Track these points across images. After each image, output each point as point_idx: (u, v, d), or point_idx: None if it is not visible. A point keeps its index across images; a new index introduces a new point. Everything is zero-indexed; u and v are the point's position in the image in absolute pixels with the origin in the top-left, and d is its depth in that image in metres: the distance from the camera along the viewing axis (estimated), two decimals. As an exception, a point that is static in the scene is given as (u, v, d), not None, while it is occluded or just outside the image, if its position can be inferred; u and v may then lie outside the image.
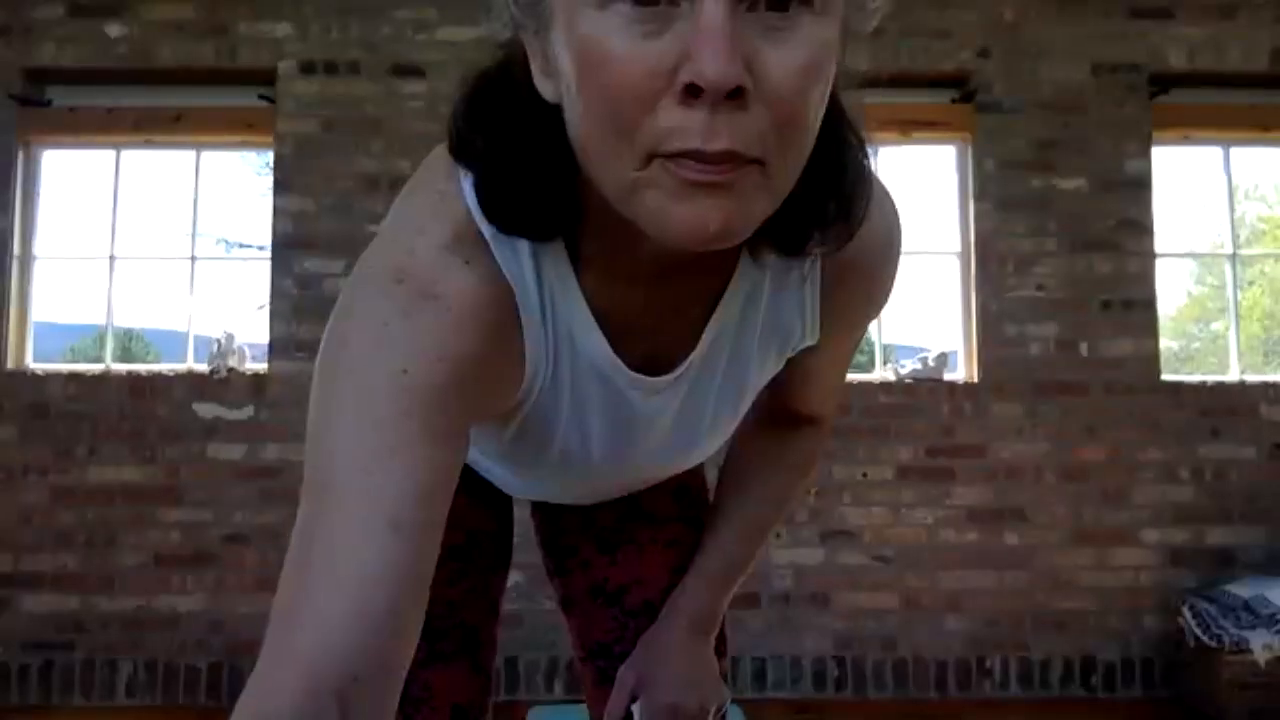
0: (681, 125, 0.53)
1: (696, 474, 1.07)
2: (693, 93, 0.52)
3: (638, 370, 0.75)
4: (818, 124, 0.60)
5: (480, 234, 0.67)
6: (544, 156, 0.64)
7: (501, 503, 1.05)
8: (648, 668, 0.97)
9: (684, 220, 0.55)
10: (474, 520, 1.01)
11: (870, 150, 0.74)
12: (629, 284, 0.70)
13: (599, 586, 1.03)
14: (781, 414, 0.98)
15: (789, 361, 0.83)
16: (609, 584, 1.03)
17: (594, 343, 0.72)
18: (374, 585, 0.55)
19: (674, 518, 1.03)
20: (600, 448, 0.81)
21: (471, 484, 0.96)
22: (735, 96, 0.53)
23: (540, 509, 1.10)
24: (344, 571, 0.55)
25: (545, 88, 0.63)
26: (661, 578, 1.01)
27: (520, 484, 0.99)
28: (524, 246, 0.67)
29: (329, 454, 0.59)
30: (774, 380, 0.86)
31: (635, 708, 0.98)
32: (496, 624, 1.04)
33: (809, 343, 0.81)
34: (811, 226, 0.67)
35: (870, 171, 0.72)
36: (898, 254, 0.80)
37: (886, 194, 0.77)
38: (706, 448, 0.89)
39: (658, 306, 0.73)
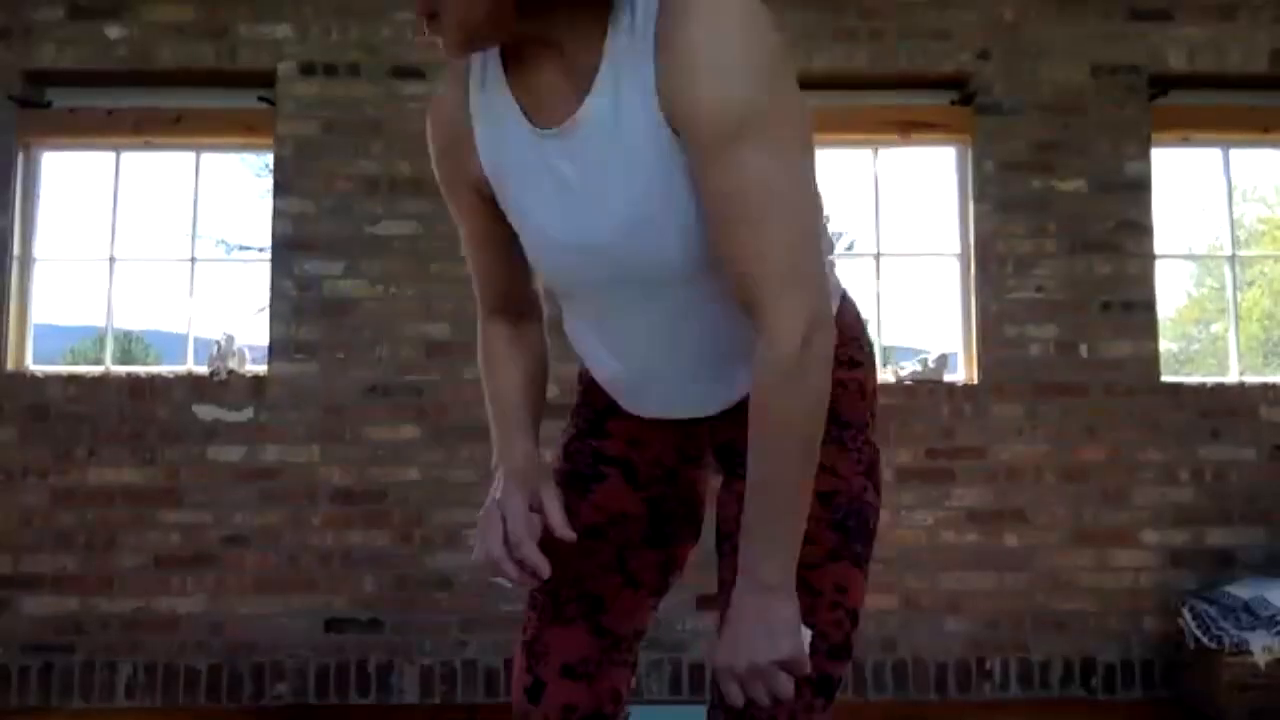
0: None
1: (847, 475, 1.14)
2: None
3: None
4: None
5: (464, 69, 1.05)
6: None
7: (656, 485, 1.21)
8: (719, 638, 1.02)
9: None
10: (618, 504, 1.20)
11: None
12: (529, 71, 0.97)
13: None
14: (741, 304, 0.94)
15: (705, 207, 0.92)
16: None
17: (510, 108, 0.99)
18: (485, 272, 1.16)
19: (815, 516, 1.03)
20: (560, 218, 1.00)
21: (628, 473, 1.20)
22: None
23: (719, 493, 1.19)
24: (478, 281, 1.18)
25: None
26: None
27: (609, 363, 1.13)
28: (479, 68, 1.02)
29: None
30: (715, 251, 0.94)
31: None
32: (636, 594, 1.19)
33: (668, 111, 0.89)
34: None
35: None
36: (738, 49, 0.86)
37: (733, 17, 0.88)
38: (667, 236, 0.96)
39: (553, 88, 0.95)
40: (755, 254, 0.89)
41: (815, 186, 0.97)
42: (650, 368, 1.10)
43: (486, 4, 0.89)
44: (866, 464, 1.19)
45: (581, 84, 0.93)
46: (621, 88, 0.91)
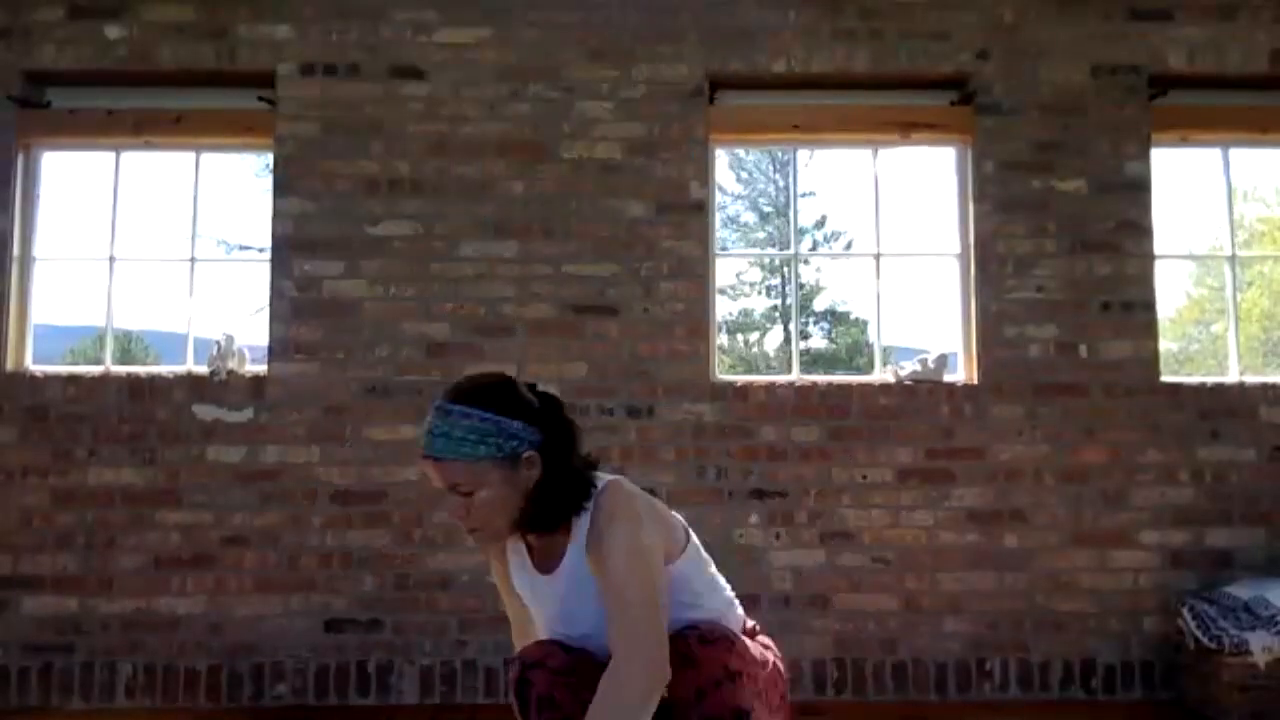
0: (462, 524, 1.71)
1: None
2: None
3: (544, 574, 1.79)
4: (501, 512, 1.66)
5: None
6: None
7: None
8: None
9: (478, 545, 1.96)
10: None
11: (588, 489, 1.72)
12: (537, 549, 1.79)
13: None
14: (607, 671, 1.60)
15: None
16: None
17: (524, 557, 1.81)
18: (514, 626, 1.97)
19: None
20: (552, 610, 1.77)
21: None
22: (465, 516, 1.68)
23: None
24: (514, 631, 1.97)
25: None
26: None
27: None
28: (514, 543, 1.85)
29: None
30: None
31: None
32: None
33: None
34: (558, 511, 1.71)
35: (582, 489, 1.71)
36: (608, 538, 1.62)
37: (616, 503, 1.67)
38: (598, 632, 1.68)
39: (547, 552, 1.76)
40: (614, 620, 1.59)
41: (654, 589, 1.60)
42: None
43: (503, 531, 1.71)
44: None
45: (558, 554, 1.73)
46: (575, 558, 1.70)
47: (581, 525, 1.68)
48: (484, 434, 1.59)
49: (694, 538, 1.81)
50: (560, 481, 1.66)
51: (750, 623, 1.93)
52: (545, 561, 1.75)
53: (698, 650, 1.62)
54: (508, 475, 1.61)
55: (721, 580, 1.87)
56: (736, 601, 1.89)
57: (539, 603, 1.79)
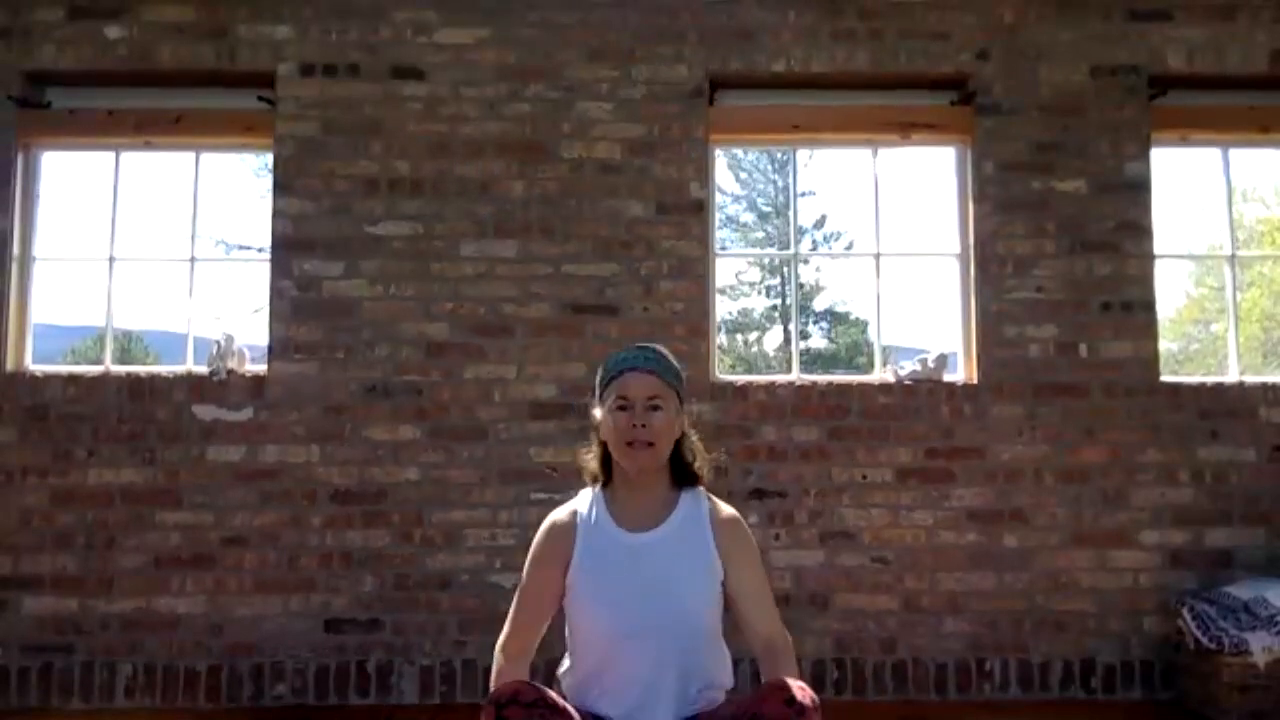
0: (632, 435, 1.86)
1: None
2: (634, 425, 1.86)
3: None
4: (670, 437, 1.88)
5: (577, 516, 1.94)
6: (603, 463, 1.97)
7: None
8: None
9: (632, 461, 1.87)
10: None
11: (703, 452, 1.97)
12: (627, 501, 1.91)
13: None
14: (755, 638, 1.85)
15: (732, 589, 1.86)
16: None
17: (608, 520, 1.90)
18: (525, 625, 1.92)
19: None
20: (639, 571, 1.83)
21: None
22: (643, 427, 1.86)
23: None
24: (508, 627, 1.92)
25: (603, 435, 1.93)
26: None
27: (605, 685, 1.87)
28: (588, 502, 1.95)
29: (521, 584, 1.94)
30: (734, 610, 1.87)
31: None
32: None
33: (719, 558, 1.86)
34: (684, 473, 1.94)
35: (704, 461, 1.96)
36: (745, 526, 1.92)
37: (720, 502, 1.96)
38: (696, 599, 1.84)
39: (640, 511, 1.90)
40: (768, 610, 1.87)
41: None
42: (639, 701, 1.83)
43: (662, 455, 1.88)
44: None
45: (662, 515, 1.89)
46: (685, 524, 1.88)
47: (696, 499, 1.92)
48: (678, 374, 1.94)
49: None
50: (688, 443, 1.94)
51: None
52: (638, 524, 1.88)
53: (808, 703, 1.68)
54: (679, 412, 1.90)
55: None
56: None
57: (611, 562, 1.85)
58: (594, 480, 1.97)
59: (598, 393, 1.94)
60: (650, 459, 1.85)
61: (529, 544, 1.92)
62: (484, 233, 3.60)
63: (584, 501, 1.95)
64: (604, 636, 1.83)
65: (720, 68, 3.67)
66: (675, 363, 1.95)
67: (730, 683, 1.91)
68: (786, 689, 1.66)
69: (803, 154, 15.48)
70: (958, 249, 3.75)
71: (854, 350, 18.00)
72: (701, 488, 1.94)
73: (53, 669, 3.39)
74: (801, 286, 18.07)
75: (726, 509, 1.92)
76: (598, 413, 1.93)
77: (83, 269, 3.94)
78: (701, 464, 1.95)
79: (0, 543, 3.44)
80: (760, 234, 19.78)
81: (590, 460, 1.98)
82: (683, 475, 1.93)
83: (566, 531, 1.90)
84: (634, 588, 1.82)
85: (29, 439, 3.49)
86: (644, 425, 1.84)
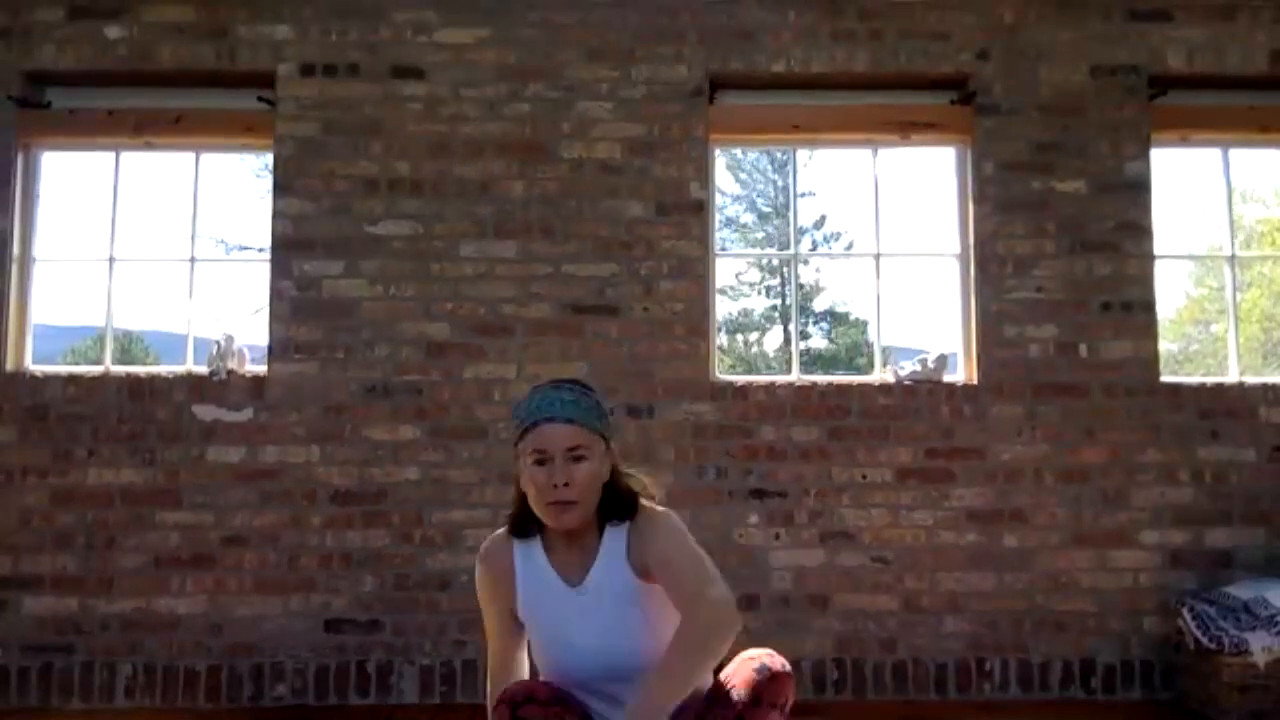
0: (553, 495, 1.72)
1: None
2: (555, 485, 1.72)
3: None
4: (596, 489, 1.75)
5: (510, 543, 1.85)
6: (527, 516, 1.81)
7: None
8: None
9: (555, 521, 1.74)
10: None
11: (636, 492, 1.83)
12: (560, 549, 1.81)
13: None
14: (682, 610, 1.70)
15: (658, 581, 1.74)
16: None
17: (547, 570, 1.81)
18: (495, 668, 1.91)
19: None
20: (580, 633, 1.76)
21: None
22: (566, 486, 1.72)
23: None
24: (489, 660, 1.94)
25: (524, 487, 1.77)
26: None
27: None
28: (522, 547, 1.84)
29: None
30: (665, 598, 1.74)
31: None
32: None
33: (637, 566, 1.76)
34: (611, 512, 1.79)
35: (634, 496, 1.81)
36: (660, 520, 1.78)
37: (668, 518, 1.79)
38: (638, 640, 1.76)
39: (573, 558, 1.80)
40: (686, 575, 1.70)
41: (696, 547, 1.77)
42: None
43: (589, 509, 1.75)
44: None
45: (589, 562, 1.79)
46: (608, 570, 1.77)
47: (618, 536, 1.78)
48: (600, 412, 1.79)
49: None
50: (622, 480, 1.81)
51: None
52: (568, 575, 1.79)
53: (778, 667, 1.70)
54: (604, 455, 1.77)
55: None
56: None
57: (557, 616, 1.79)
58: (515, 531, 1.83)
59: (515, 438, 1.78)
60: (575, 519, 1.73)
61: None
62: (484, 233, 3.60)
63: (518, 554, 1.84)
64: (560, 679, 1.81)
65: (720, 68, 3.67)
66: (597, 398, 1.81)
67: (708, 680, 1.80)
68: (756, 659, 1.69)
69: (803, 154, 15.48)
70: (958, 249, 3.75)
71: (854, 351, 18.01)
72: (627, 523, 1.79)
73: (53, 669, 3.39)
74: (801, 287, 18.06)
75: (645, 522, 1.78)
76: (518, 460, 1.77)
77: (83, 269, 3.94)
78: (638, 488, 1.82)
79: (0, 543, 3.44)
80: (760, 234, 19.79)
81: (516, 516, 1.83)
82: (610, 512, 1.79)
83: (504, 572, 1.83)
84: (577, 639, 1.77)
85: (29, 439, 3.49)
86: (565, 484, 1.69)
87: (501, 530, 1.87)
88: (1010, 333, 3.60)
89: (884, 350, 3.89)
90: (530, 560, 1.82)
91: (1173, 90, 3.70)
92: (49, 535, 3.45)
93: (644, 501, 1.81)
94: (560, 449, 1.70)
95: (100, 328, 3.97)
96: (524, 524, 1.82)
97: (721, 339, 16.91)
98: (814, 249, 19.03)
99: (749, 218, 19.95)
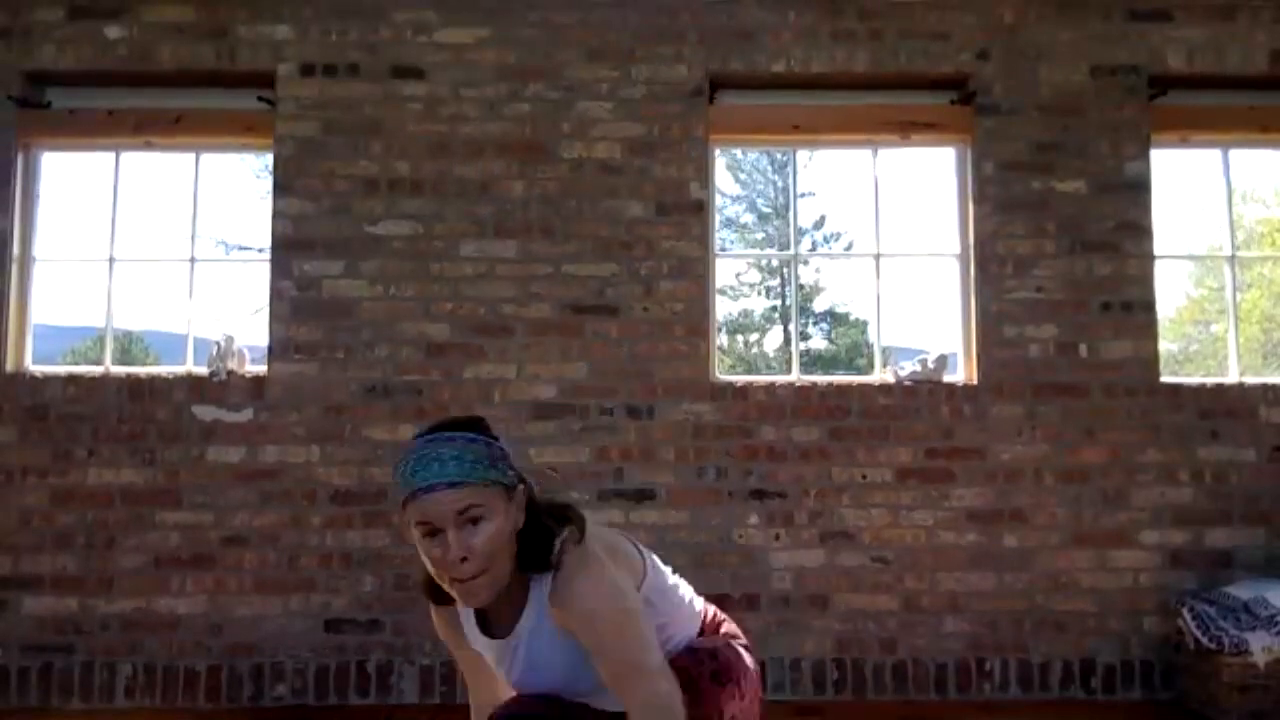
0: (454, 572, 1.51)
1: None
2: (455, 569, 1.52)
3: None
4: (506, 549, 1.54)
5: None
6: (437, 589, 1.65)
7: None
8: None
9: (466, 599, 1.57)
10: None
11: (557, 514, 1.64)
12: (489, 611, 1.68)
13: None
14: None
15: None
16: None
17: (475, 631, 1.71)
18: (473, 683, 1.84)
19: None
20: (514, 673, 1.70)
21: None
22: (465, 561, 1.50)
23: None
24: (472, 697, 1.87)
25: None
26: None
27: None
28: (464, 610, 1.72)
29: None
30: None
31: None
32: None
33: (562, 635, 1.60)
34: (528, 562, 1.60)
35: (555, 524, 1.60)
36: (580, 604, 1.54)
37: (576, 557, 1.59)
38: (586, 676, 1.62)
39: (501, 617, 1.66)
40: (614, 674, 1.54)
41: (643, 625, 1.58)
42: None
43: (504, 575, 1.56)
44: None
45: (512, 616, 1.64)
46: (535, 618, 1.62)
47: (542, 585, 1.59)
48: (492, 458, 1.53)
49: (646, 552, 1.78)
50: (539, 521, 1.58)
51: (712, 611, 1.91)
52: (497, 625, 1.66)
53: (707, 687, 1.67)
54: (508, 507, 1.53)
55: (680, 580, 1.85)
56: (696, 597, 1.88)
57: (501, 666, 1.71)
58: (433, 599, 1.70)
59: (399, 500, 1.54)
60: (485, 594, 1.53)
61: None
62: (484, 233, 3.60)
63: (438, 602, 1.74)
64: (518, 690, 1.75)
65: (720, 68, 3.67)
66: (486, 440, 1.55)
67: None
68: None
69: (803, 154, 15.50)
70: (958, 249, 3.75)
71: (854, 351, 18.01)
72: (549, 576, 1.58)
73: (53, 669, 3.39)
74: (801, 287, 18.07)
75: (563, 588, 1.55)
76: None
77: (83, 269, 3.94)
78: (557, 526, 1.59)
79: (0, 543, 3.44)
80: (760, 235, 19.80)
81: (428, 584, 1.66)
82: (528, 562, 1.58)
83: (453, 622, 1.75)
84: (527, 685, 1.69)
85: (29, 439, 3.49)
86: (464, 559, 1.48)
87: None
88: (1010, 333, 3.60)
89: (884, 350, 3.89)
90: (466, 614, 1.71)
91: (1173, 90, 3.70)
92: (49, 535, 3.45)
93: (567, 547, 1.58)
94: (449, 516, 1.47)
95: (100, 328, 3.97)
96: (438, 590, 1.61)
97: (721, 339, 16.92)
98: (814, 249, 19.03)
99: (749, 218, 19.97)
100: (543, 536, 1.57)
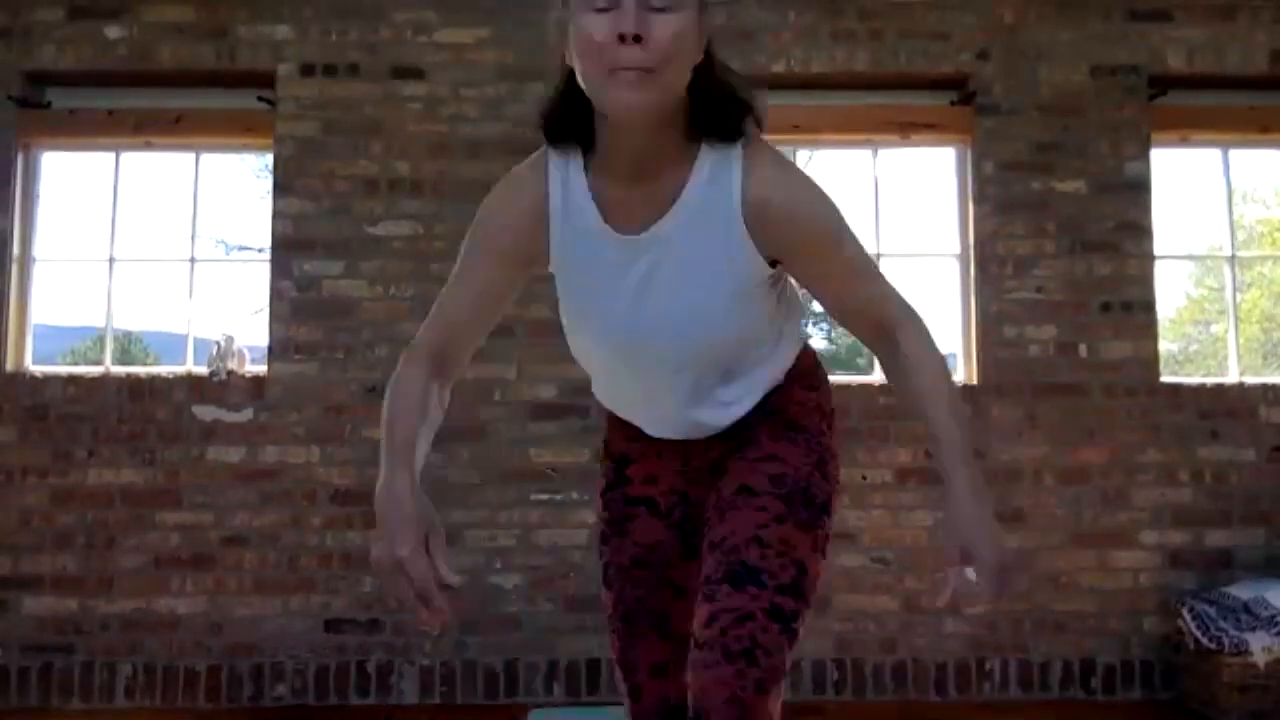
0: (618, 58, 1.07)
1: (795, 464, 1.34)
2: (622, 39, 1.06)
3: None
4: (686, 58, 1.12)
5: (544, 157, 1.26)
6: (571, 108, 1.19)
7: (676, 510, 1.44)
8: (950, 526, 1.29)
9: (619, 99, 1.09)
10: (652, 535, 1.44)
11: (745, 85, 1.24)
12: (615, 180, 1.21)
13: (713, 542, 1.31)
14: (870, 333, 1.34)
15: (811, 287, 1.31)
16: (716, 536, 1.30)
17: (589, 212, 1.23)
18: (439, 330, 1.36)
19: (767, 492, 1.31)
20: (616, 303, 1.25)
21: (651, 507, 1.45)
22: (638, 41, 1.06)
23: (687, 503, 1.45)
24: (434, 322, 1.36)
25: (570, 59, 1.14)
26: (746, 530, 1.28)
27: (633, 408, 1.42)
28: (560, 163, 1.24)
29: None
30: (834, 310, 1.33)
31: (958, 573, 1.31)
32: (687, 601, 1.38)
33: (758, 249, 1.21)
34: (709, 121, 1.19)
35: (745, 93, 1.23)
36: (797, 188, 1.22)
37: (799, 173, 1.25)
38: (717, 329, 1.26)
39: (636, 195, 1.21)
40: (871, 295, 1.30)
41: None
42: (668, 415, 1.39)
43: (676, 84, 1.13)
44: (816, 458, 1.39)
45: (661, 208, 1.21)
46: (702, 207, 1.20)
47: (724, 162, 1.20)
48: None
49: None
50: (722, 75, 1.20)
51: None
52: (626, 219, 1.22)
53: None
54: (699, 18, 1.13)
55: None
56: None
57: (605, 284, 1.26)
58: (549, 130, 1.23)
59: None
60: (649, 95, 1.09)
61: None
62: (484, 233, 3.59)
63: (554, 174, 1.25)
64: (604, 371, 1.39)
65: (720, 68, 3.67)
66: None
67: (787, 364, 1.40)
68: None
69: (802, 154, 15.44)
70: (957, 249, 3.75)
71: (854, 350, 17.99)
72: (739, 144, 1.21)
73: (53, 669, 3.39)
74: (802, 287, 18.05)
75: (767, 169, 1.20)
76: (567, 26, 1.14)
77: (83, 269, 3.94)
78: (743, 97, 1.22)
79: (0, 543, 3.44)
80: (760, 234, 19.76)
81: (554, 106, 1.22)
82: (705, 122, 1.19)
83: (533, 221, 1.26)
84: (631, 317, 1.26)
85: (29, 439, 3.49)
86: (637, 38, 1.06)
87: (530, 171, 1.28)
88: (1010, 333, 3.59)
89: (884, 350, 3.89)
90: (571, 195, 1.24)
91: (1173, 90, 3.70)
92: (49, 535, 3.45)
93: (755, 130, 1.24)
94: None
95: (100, 328, 3.97)
96: (564, 123, 1.21)
97: (721, 339, 16.81)
98: (814, 249, 18.99)
99: (749, 218, 19.93)
100: (719, 94, 1.19)
